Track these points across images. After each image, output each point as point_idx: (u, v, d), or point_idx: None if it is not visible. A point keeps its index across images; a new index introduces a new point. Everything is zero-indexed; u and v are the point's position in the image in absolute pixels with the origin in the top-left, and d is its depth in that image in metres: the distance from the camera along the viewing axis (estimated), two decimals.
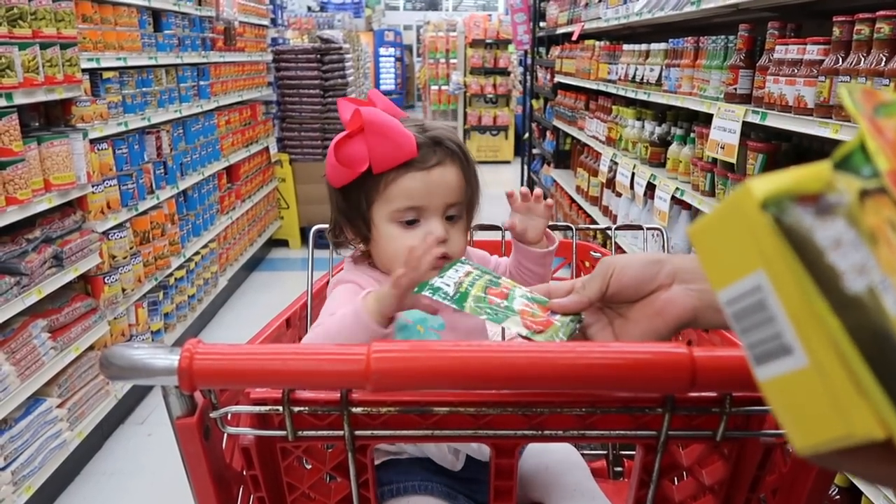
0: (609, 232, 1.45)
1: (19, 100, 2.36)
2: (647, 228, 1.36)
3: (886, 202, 0.33)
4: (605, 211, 4.32)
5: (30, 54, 2.37)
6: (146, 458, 2.92)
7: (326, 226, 1.37)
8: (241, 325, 4.40)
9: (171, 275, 3.68)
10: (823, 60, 1.93)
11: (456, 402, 0.73)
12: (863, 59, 1.75)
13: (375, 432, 0.85)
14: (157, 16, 3.68)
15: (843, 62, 1.83)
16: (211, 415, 0.81)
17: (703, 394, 0.79)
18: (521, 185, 8.08)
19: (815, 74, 1.96)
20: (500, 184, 9.02)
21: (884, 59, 1.67)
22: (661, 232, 1.36)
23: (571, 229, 1.55)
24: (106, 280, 2.95)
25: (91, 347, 2.85)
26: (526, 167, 7.95)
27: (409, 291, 0.88)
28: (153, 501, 2.66)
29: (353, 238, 1.12)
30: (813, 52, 1.98)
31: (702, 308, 0.81)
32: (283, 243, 6.13)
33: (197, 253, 4.10)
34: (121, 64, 3.13)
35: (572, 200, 5.21)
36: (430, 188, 1.06)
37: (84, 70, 2.78)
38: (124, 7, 3.21)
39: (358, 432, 0.84)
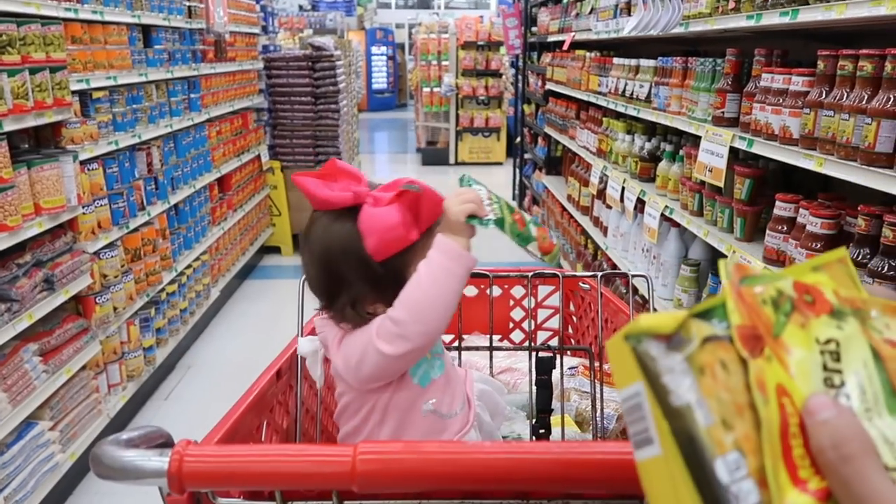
0: (597, 275, 1.46)
1: (9, 126, 2.36)
2: (633, 276, 1.37)
3: (727, 347, 0.45)
4: (596, 222, 4.35)
5: (19, 80, 2.36)
6: None
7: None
8: (234, 335, 4.41)
9: (162, 290, 3.68)
10: (808, 92, 1.95)
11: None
12: (846, 94, 1.77)
13: (364, 502, 0.87)
14: (146, 31, 3.67)
15: (826, 96, 1.86)
16: (202, 489, 0.83)
17: None
18: (514, 188, 8.11)
19: (799, 106, 1.98)
20: (492, 186, 9.02)
21: (866, 97, 1.70)
22: (647, 279, 1.38)
23: (558, 277, 1.57)
24: (97, 300, 2.95)
25: (83, 368, 2.85)
26: (518, 171, 7.97)
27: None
28: None
29: (380, 307, 1.10)
30: (798, 83, 2.00)
31: None
32: (276, 250, 6.14)
33: (189, 266, 4.10)
34: (111, 83, 3.13)
35: (563, 209, 5.23)
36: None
37: (74, 92, 2.78)
38: (114, 25, 3.20)
39: (347, 502, 0.86)
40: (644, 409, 0.45)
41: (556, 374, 1.44)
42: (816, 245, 1.93)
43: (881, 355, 0.48)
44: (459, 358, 1.49)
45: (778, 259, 2.14)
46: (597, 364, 1.47)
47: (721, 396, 0.43)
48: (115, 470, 0.64)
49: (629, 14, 3.53)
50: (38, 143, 2.82)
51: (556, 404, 1.43)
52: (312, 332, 1.32)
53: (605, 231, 4.11)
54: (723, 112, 2.50)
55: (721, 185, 2.45)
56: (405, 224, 1.06)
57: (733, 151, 2.42)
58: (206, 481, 0.65)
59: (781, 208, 2.13)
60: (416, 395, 1.13)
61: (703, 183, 2.68)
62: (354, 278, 1.08)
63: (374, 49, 17.61)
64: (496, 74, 10.33)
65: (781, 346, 0.46)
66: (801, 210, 2.03)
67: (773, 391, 0.44)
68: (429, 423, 1.14)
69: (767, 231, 2.18)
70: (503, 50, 9.57)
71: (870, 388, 0.46)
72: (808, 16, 1.88)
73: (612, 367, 0.49)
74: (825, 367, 0.46)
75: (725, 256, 2.41)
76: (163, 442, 0.74)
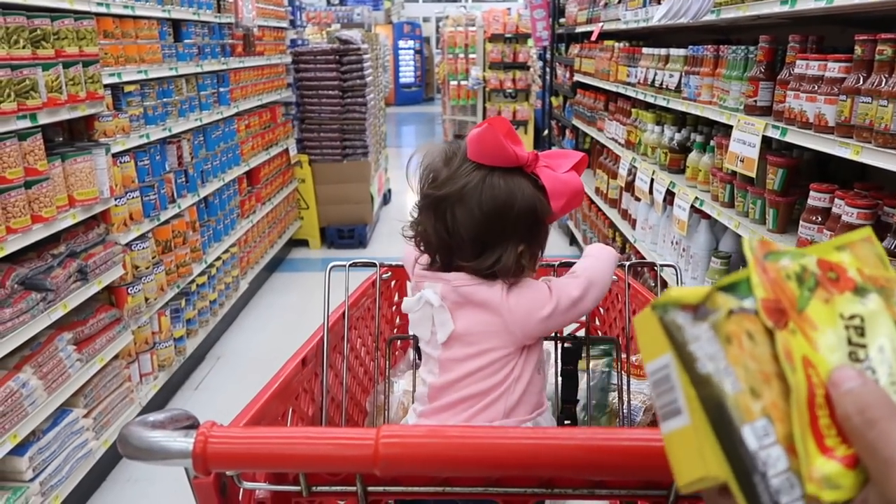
0: (624, 265, 1.44)
1: (43, 119, 2.40)
2: (662, 266, 1.35)
3: (752, 319, 0.45)
4: (625, 214, 4.30)
5: (53, 74, 2.41)
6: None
7: (342, 263, 1.38)
8: (263, 327, 4.46)
9: (192, 281, 3.74)
10: (845, 78, 1.90)
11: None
12: (885, 79, 1.72)
13: (388, 488, 0.87)
14: (176, 26, 3.71)
15: (864, 82, 1.80)
16: (227, 472, 0.84)
17: None
18: None
19: (836, 93, 1.93)
20: None
21: None
22: (676, 269, 1.36)
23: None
24: (129, 290, 3.00)
25: (116, 357, 2.91)
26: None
27: None
28: None
29: (529, 260, 1.20)
30: (834, 69, 1.95)
31: None
32: (304, 243, 6.19)
33: (218, 258, 4.15)
34: (142, 77, 3.17)
35: (591, 201, 5.18)
36: None
37: (106, 85, 2.82)
38: (145, 20, 3.25)
39: (370, 488, 0.86)
40: (672, 380, 0.45)
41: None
42: None
43: None
44: None
45: None
46: (624, 356, 1.45)
47: (748, 365, 0.44)
48: (142, 450, 0.65)
49: (658, 3, 3.47)
50: (72, 137, 2.87)
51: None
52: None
53: (633, 224, 4.06)
54: (755, 101, 2.45)
55: (753, 175, 2.40)
56: (583, 191, 1.20)
57: (766, 141, 2.37)
58: (230, 462, 0.65)
59: (816, 198, 2.08)
60: (539, 354, 1.23)
61: (734, 173, 2.63)
62: (526, 233, 1.16)
63: (401, 43, 17.62)
64: (524, 67, 10.26)
65: (806, 321, 0.46)
66: (836, 200, 1.98)
67: (799, 362, 0.44)
68: (539, 381, 1.23)
69: (801, 222, 2.13)
70: (531, 42, 9.50)
71: (895, 362, 0.46)
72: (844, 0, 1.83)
73: (640, 341, 0.49)
74: (850, 342, 0.46)
75: None
76: (189, 424, 0.75)
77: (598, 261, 1.26)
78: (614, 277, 1.86)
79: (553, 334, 1.53)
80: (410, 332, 1.28)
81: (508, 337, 1.16)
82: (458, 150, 1.18)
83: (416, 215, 1.22)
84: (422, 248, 1.22)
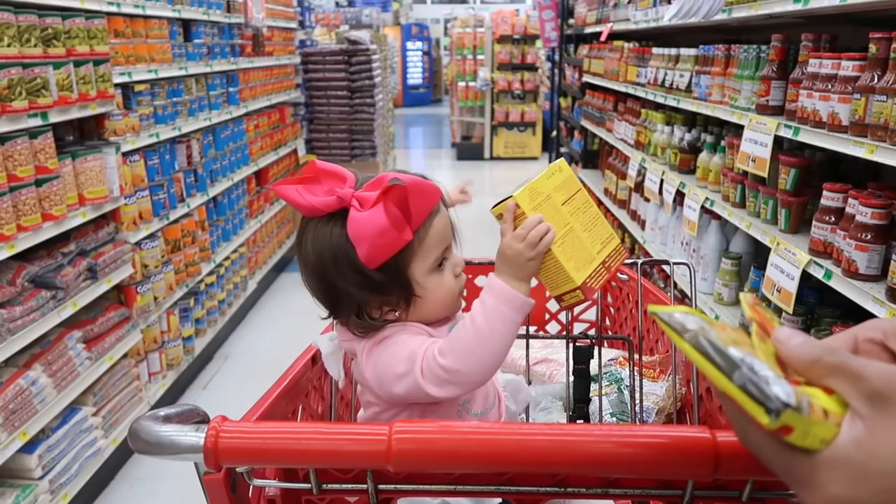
0: (636, 263, 1.43)
1: (54, 118, 2.41)
2: (674, 263, 1.34)
3: (738, 330, 0.56)
4: (633, 215, 4.28)
5: (64, 73, 2.42)
6: (175, 463, 2.97)
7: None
8: (271, 327, 4.46)
9: (201, 281, 3.74)
10: (859, 77, 1.88)
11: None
12: None
13: (399, 486, 0.86)
14: (187, 26, 3.72)
15: (879, 80, 1.79)
16: (238, 468, 0.83)
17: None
18: None
19: (849, 91, 1.91)
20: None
21: None
22: (689, 267, 1.34)
23: None
24: (138, 289, 3.01)
25: (125, 356, 2.91)
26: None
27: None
28: None
29: (388, 311, 1.04)
30: (848, 67, 1.93)
31: None
32: None
33: (227, 258, 4.16)
34: (152, 76, 3.18)
35: (600, 202, 5.16)
36: (447, 223, 1.08)
37: (116, 85, 2.83)
38: (155, 20, 3.26)
39: (381, 486, 0.85)
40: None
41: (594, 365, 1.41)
42: (866, 236, 1.86)
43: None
44: None
45: (825, 251, 2.07)
46: (636, 355, 1.43)
47: (728, 333, 0.53)
48: (152, 444, 0.64)
49: (669, 2, 3.46)
50: (82, 135, 2.88)
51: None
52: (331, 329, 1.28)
53: (642, 225, 4.04)
54: (767, 100, 2.43)
55: (765, 175, 2.37)
56: (396, 226, 0.96)
57: (778, 141, 2.35)
58: (241, 457, 0.65)
59: (829, 198, 2.05)
60: (450, 401, 1.07)
61: (745, 174, 2.61)
62: (353, 287, 1.00)
63: (409, 45, 17.64)
64: (532, 68, 10.25)
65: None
66: (850, 200, 1.96)
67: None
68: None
69: (814, 222, 2.11)
70: (539, 43, 9.49)
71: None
72: None
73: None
74: None
75: (769, 249, 2.34)
76: (200, 419, 0.75)
77: (479, 328, 0.97)
78: (624, 277, 1.85)
79: (564, 332, 1.52)
80: None
81: (378, 395, 1.07)
82: None
83: None
84: None
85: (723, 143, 2.96)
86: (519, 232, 1.01)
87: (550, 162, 8.19)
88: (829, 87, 2.00)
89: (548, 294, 1.05)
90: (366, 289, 1.00)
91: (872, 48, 1.82)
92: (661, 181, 3.50)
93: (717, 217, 2.94)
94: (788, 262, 2.17)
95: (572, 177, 1.10)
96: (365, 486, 0.85)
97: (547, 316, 1.91)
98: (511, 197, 1.03)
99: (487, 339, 0.97)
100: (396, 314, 1.04)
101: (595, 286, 1.06)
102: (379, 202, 0.96)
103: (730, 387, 0.49)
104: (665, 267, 3.16)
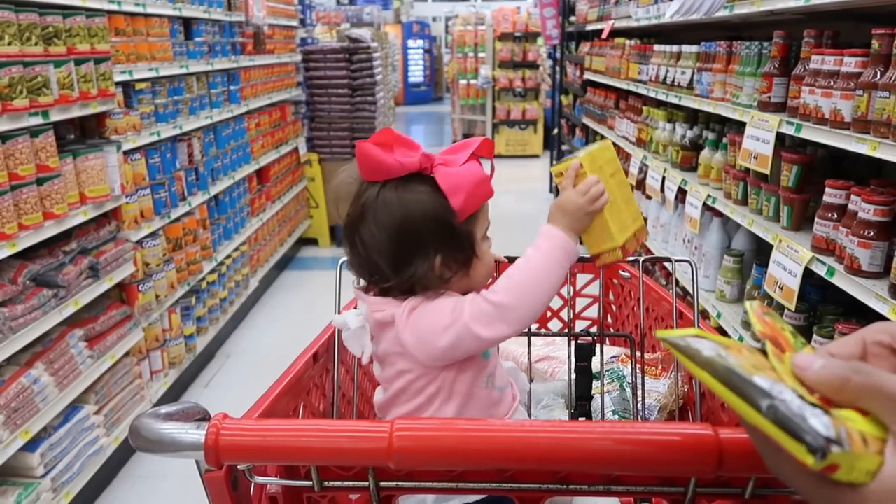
0: (638, 260, 1.43)
1: (55, 116, 2.41)
2: (677, 260, 1.33)
3: (749, 347, 0.55)
4: None
5: (65, 71, 2.41)
6: (177, 462, 2.97)
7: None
8: (273, 325, 4.46)
9: (203, 279, 3.74)
10: (861, 73, 1.87)
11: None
12: None
13: (400, 484, 0.86)
14: (187, 24, 3.72)
15: (881, 76, 1.78)
16: (239, 466, 0.83)
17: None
18: (551, 181, 8.03)
19: (852, 88, 1.90)
20: (529, 178, 8.97)
21: None
22: (691, 265, 1.34)
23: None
24: (140, 288, 3.01)
25: (126, 354, 2.91)
26: (555, 163, 7.89)
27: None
28: (184, 503, 2.73)
29: (448, 271, 1.09)
30: (850, 64, 1.92)
31: None
32: (313, 242, 6.19)
33: (228, 256, 4.16)
34: (153, 74, 3.18)
35: None
36: None
37: (117, 83, 2.83)
38: (156, 18, 3.25)
39: (383, 483, 0.85)
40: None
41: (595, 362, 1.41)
42: (869, 232, 1.86)
43: None
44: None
45: (827, 248, 2.06)
46: (638, 353, 1.43)
47: (746, 357, 0.51)
48: (153, 442, 0.64)
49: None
50: (84, 134, 2.88)
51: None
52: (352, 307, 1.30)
53: (644, 222, 4.03)
54: (769, 97, 2.42)
55: (767, 172, 2.37)
56: (488, 178, 1.10)
57: (780, 137, 2.34)
58: (242, 455, 0.64)
59: (831, 195, 2.05)
60: (479, 368, 1.12)
61: (747, 171, 2.61)
62: (435, 241, 1.07)
63: (410, 42, 17.62)
64: (533, 66, 10.24)
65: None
66: (852, 196, 1.95)
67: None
68: (487, 396, 1.13)
69: (816, 219, 2.11)
70: (540, 41, 9.48)
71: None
72: None
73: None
74: None
75: (771, 246, 2.33)
76: (201, 417, 0.74)
77: (533, 270, 1.07)
78: (626, 274, 1.85)
79: (566, 330, 1.51)
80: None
81: (414, 359, 1.09)
82: (357, 172, 1.12)
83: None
84: (354, 272, 1.18)
85: (725, 140, 2.96)
86: (581, 188, 1.10)
87: (551, 160, 8.21)
88: (832, 83, 1.99)
89: (589, 253, 1.17)
90: (447, 241, 1.07)
91: (875, 44, 1.81)
92: (663, 178, 3.49)
93: (719, 214, 2.93)
94: (791, 259, 2.17)
95: (616, 157, 1.22)
96: (366, 484, 0.84)
97: (549, 313, 1.90)
98: (575, 157, 1.13)
99: (542, 277, 1.07)
100: (451, 276, 1.10)
101: (630, 249, 1.17)
102: (475, 156, 1.10)
103: (762, 422, 0.46)
104: (667, 264, 3.16)
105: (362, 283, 1.19)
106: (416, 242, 1.07)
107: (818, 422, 0.44)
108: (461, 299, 1.08)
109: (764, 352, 0.52)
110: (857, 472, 0.45)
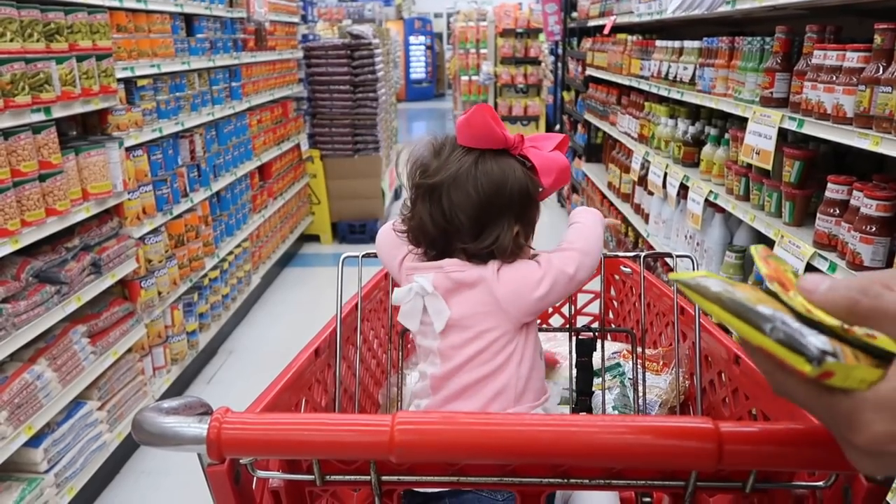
0: (639, 255, 1.43)
1: (57, 113, 2.41)
2: (678, 255, 1.34)
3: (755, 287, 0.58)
4: (637, 209, 4.27)
5: (67, 68, 2.42)
6: (180, 457, 2.99)
7: (355, 255, 1.38)
8: (275, 321, 4.47)
9: (205, 275, 3.75)
10: (864, 68, 1.87)
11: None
12: None
13: (402, 478, 0.86)
14: (189, 20, 3.72)
15: (884, 71, 1.77)
16: (241, 460, 0.83)
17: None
18: None
19: (854, 83, 1.90)
20: None
21: None
22: (692, 260, 1.34)
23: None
24: (142, 284, 3.01)
25: (129, 350, 2.92)
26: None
27: None
28: (186, 497, 2.73)
29: (520, 240, 1.21)
30: (853, 59, 1.92)
31: None
32: (315, 238, 6.20)
33: (230, 253, 4.16)
34: (155, 71, 3.18)
35: (604, 196, 5.15)
36: None
37: (119, 80, 2.83)
38: (157, 14, 3.25)
39: (384, 477, 0.85)
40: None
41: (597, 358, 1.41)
42: (871, 228, 1.86)
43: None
44: None
45: (829, 244, 2.06)
46: (639, 349, 1.43)
47: (753, 293, 0.55)
48: (156, 435, 0.64)
49: None
50: (86, 131, 2.88)
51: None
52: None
53: (646, 218, 4.03)
54: (771, 92, 2.42)
55: (769, 167, 2.37)
56: (570, 167, 1.27)
57: (782, 133, 2.34)
58: (245, 448, 0.65)
59: (834, 190, 2.05)
60: (538, 339, 1.25)
61: (749, 166, 2.60)
62: (519, 212, 1.19)
63: (412, 39, 17.60)
64: (535, 62, 10.22)
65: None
66: (854, 192, 1.95)
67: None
68: (541, 367, 1.23)
69: (818, 215, 2.10)
70: (542, 37, 9.46)
71: None
72: None
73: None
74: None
75: (773, 242, 2.33)
76: (203, 411, 0.75)
77: (586, 228, 1.28)
78: (627, 270, 1.85)
79: (567, 326, 1.52)
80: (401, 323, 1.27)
81: (503, 316, 1.17)
82: (445, 140, 1.23)
83: (408, 208, 1.23)
84: (414, 240, 1.24)
85: (727, 135, 2.95)
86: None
87: None
88: (834, 78, 1.99)
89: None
90: (527, 214, 1.21)
91: (877, 39, 1.81)
92: (665, 174, 3.49)
93: (721, 210, 2.93)
94: (793, 254, 2.17)
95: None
96: (368, 478, 0.85)
97: (550, 309, 1.90)
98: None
99: (598, 232, 1.29)
100: (519, 248, 1.21)
101: None
102: (556, 149, 1.23)
103: (766, 341, 0.50)
104: (668, 260, 3.16)
105: (396, 264, 1.28)
106: (506, 210, 1.17)
107: (815, 338, 0.49)
108: (543, 256, 1.22)
109: (769, 292, 0.56)
110: (852, 380, 0.49)
